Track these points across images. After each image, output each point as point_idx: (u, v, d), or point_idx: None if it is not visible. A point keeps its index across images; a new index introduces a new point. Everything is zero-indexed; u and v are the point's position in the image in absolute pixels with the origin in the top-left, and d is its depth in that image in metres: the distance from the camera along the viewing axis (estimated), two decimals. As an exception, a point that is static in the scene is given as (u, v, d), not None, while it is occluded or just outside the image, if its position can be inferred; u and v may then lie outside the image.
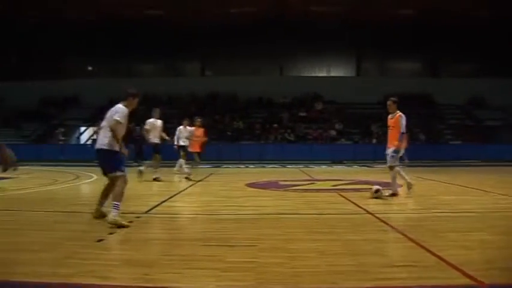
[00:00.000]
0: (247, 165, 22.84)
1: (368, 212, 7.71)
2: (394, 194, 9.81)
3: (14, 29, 36.03)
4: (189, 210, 8.37)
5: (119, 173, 6.86)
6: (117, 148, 6.89)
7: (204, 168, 19.19)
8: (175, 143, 15.88)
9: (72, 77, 37.64)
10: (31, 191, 11.56)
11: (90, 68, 40.28)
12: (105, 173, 7.26)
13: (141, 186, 11.66)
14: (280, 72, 38.22)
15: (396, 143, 9.64)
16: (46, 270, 4.36)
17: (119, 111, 7.01)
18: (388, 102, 10.02)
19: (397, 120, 9.70)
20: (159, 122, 14.03)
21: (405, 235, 5.87)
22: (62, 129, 31.48)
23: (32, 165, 21.40)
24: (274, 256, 4.89)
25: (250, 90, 33.95)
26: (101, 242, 5.57)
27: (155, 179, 13.72)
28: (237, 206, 8.85)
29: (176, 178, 14.99)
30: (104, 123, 7.16)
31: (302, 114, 32.98)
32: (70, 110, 35.21)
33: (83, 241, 5.58)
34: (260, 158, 26.06)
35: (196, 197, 10.28)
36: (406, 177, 9.93)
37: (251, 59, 36.37)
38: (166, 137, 14.37)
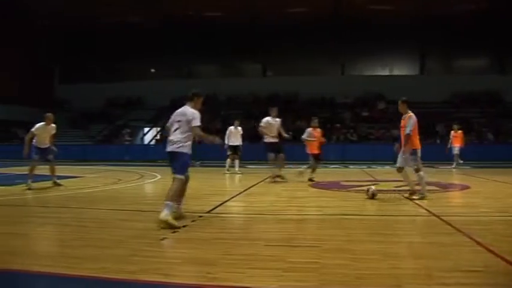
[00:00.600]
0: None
1: (433, 214, 7.48)
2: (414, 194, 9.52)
3: (80, 33, 37.38)
4: (251, 210, 8.38)
5: (178, 176, 6.99)
6: (187, 151, 7.05)
7: (266, 168, 19.22)
8: (226, 142, 16.09)
9: (136, 79, 38.68)
10: (97, 190, 11.91)
11: (152, 70, 41.20)
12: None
13: (205, 185, 11.78)
14: (341, 72, 37.81)
15: (409, 144, 9.31)
16: (112, 267, 4.47)
17: (195, 116, 7.04)
18: (399, 102, 9.68)
19: (407, 120, 9.40)
20: (277, 121, 13.86)
21: (472, 238, 5.63)
22: (129, 130, 32.40)
23: (98, 165, 22.10)
24: (337, 257, 4.82)
25: (312, 90, 33.76)
26: (165, 240, 5.66)
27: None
28: (299, 206, 8.79)
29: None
30: (176, 126, 7.15)
31: (364, 114, 32.52)
32: (134, 111, 36.11)
33: (147, 239, 5.68)
34: (323, 158, 25.85)
35: (259, 196, 10.28)
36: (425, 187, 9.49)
37: (312, 58, 36.11)
38: (285, 134, 14.12)
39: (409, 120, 9.28)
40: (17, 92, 33.75)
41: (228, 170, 16.99)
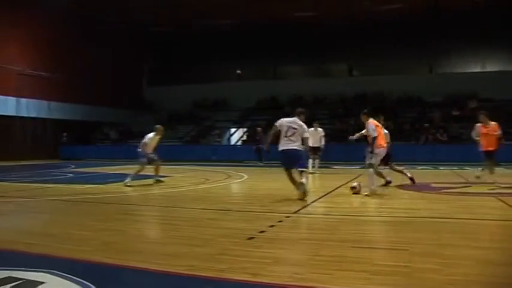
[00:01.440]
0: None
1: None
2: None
3: (168, 36, 38.54)
4: (338, 211, 8.29)
5: (300, 169, 9.62)
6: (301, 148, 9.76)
7: (353, 169, 18.99)
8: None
9: (222, 80, 39.36)
10: (186, 189, 12.23)
11: (238, 72, 41.76)
12: (289, 168, 9.80)
13: (291, 186, 11.76)
14: (430, 70, 36.54)
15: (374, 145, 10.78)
16: (200, 264, 4.56)
17: (306, 130, 9.93)
18: (361, 115, 11.21)
19: (367, 127, 10.89)
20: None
21: None
22: (218, 131, 33.10)
23: (186, 165, 22.69)
24: (427, 261, 4.65)
25: (399, 89, 32.91)
26: (252, 239, 5.70)
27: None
28: (387, 208, 8.59)
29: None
30: (292, 131, 9.69)
31: (455, 113, 31.20)
32: (220, 112, 36.75)
33: (234, 238, 5.76)
34: (410, 159, 25.08)
35: (346, 197, 10.15)
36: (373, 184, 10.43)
37: (399, 57, 35.19)
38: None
39: (369, 127, 10.74)
40: (109, 95, 35.36)
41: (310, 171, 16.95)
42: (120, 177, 15.98)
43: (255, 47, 37.19)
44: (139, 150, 13.45)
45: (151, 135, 13.49)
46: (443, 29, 32.26)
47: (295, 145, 9.60)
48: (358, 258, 4.80)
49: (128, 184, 12.56)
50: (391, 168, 12.84)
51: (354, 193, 10.42)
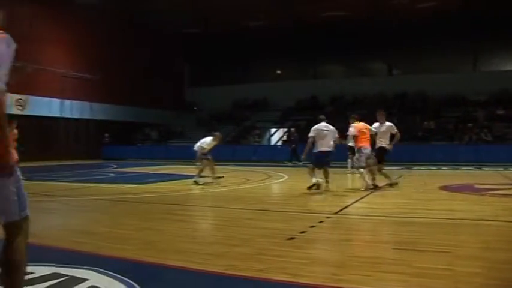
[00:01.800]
0: (439, 166, 21.70)
1: None
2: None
3: (208, 37, 38.74)
4: (379, 212, 8.19)
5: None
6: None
7: (395, 170, 18.75)
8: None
9: (262, 80, 39.39)
10: (226, 189, 12.29)
11: (278, 72, 41.73)
12: (321, 167, 11.30)
13: (332, 186, 11.70)
14: (473, 68, 35.66)
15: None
16: (240, 264, 4.59)
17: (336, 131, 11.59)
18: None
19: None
20: (386, 125, 12.67)
21: None
22: (258, 131, 33.17)
23: (227, 165, 22.80)
24: (471, 265, 4.54)
25: (441, 88, 32.21)
26: (292, 240, 5.69)
27: None
28: (429, 209, 8.43)
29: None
30: (329, 135, 11.30)
31: (500, 112, 30.41)
32: (260, 113, 36.78)
33: (274, 238, 5.76)
34: (453, 160, 24.58)
35: (387, 198, 10.03)
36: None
37: (441, 55, 34.40)
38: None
39: (349, 129, 12.27)
40: (150, 96, 35.85)
41: (349, 170, 16.90)
42: (161, 177, 16.25)
43: (295, 46, 37.07)
44: (196, 150, 13.80)
45: (208, 140, 13.73)
46: (487, 25, 31.41)
47: (330, 146, 11.26)
48: (398, 260, 4.74)
49: (200, 182, 13.26)
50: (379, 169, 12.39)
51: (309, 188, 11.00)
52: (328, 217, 7.41)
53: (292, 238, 5.77)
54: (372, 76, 37.29)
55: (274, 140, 34.69)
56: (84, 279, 4.06)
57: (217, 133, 14.18)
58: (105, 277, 4.14)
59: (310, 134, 11.42)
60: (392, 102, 33.48)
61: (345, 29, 34.15)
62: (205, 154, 13.66)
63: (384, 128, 12.34)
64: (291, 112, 35.37)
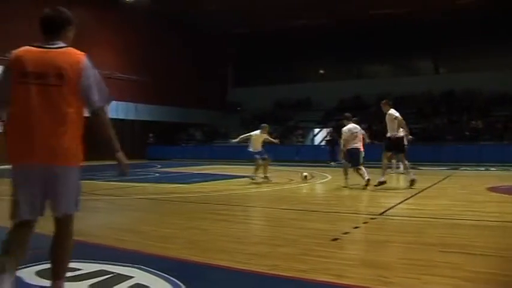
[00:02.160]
0: (487, 167, 21.12)
1: None
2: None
3: (251, 37, 38.87)
4: (425, 213, 8.00)
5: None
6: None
7: (441, 170, 18.39)
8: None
9: (305, 80, 39.23)
10: (269, 189, 12.28)
11: (321, 72, 41.46)
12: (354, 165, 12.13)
13: (378, 187, 11.54)
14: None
15: None
16: (283, 264, 4.56)
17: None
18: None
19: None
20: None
21: None
22: (301, 131, 33.06)
23: (270, 165, 22.75)
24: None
25: (489, 86, 31.28)
26: (336, 241, 5.63)
27: None
28: (477, 211, 8.20)
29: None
30: (356, 135, 12.28)
31: (557, 110, 29.35)
32: (303, 112, 36.64)
33: (318, 239, 5.70)
34: (503, 160, 23.85)
35: (433, 200, 9.80)
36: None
37: (489, 52, 33.33)
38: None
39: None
40: (194, 96, 36.18)
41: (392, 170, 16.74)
42: (204, 177, 16.36)
43: (339, 46, 36.78)
44: (250, 150, 14.13)
45: (257, 132, 14.23)
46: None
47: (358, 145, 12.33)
48: (447, 263, 4.60)
49: (255, 181, 13.69)
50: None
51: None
52: (372, 218, 7.30)
53: (336, 239, 5.70)
54: (417, 75, 36.55)
55: (317, 140, 34.50)
56: (130, 277, 4.11)
57: (264, 125, 14.64)
58: (150, 275, 4.18)
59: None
60: (439, 101, 32.82)
61: (389, 26, 33.66)
62: (258, 153, 13.98)
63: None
64: (334, 112, 35.12)
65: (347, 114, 12.89)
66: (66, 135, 3.25)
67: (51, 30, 3.36)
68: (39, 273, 4.23)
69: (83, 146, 3.44)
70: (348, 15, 33.38)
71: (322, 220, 7.24)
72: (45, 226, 5.69)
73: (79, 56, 3.32)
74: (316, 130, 35.14)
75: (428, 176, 15.99)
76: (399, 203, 9.10)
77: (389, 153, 12.15)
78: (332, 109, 35.40)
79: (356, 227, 6.47)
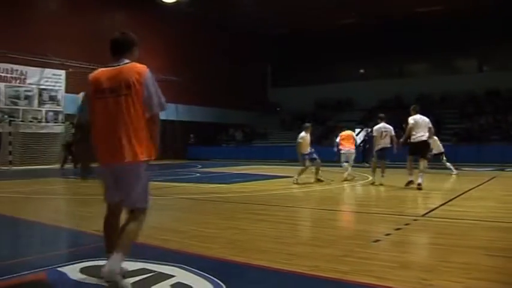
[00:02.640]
0: (534, 168, 20.53)
1: None
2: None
3: (290, 37, 38.85)
4: (469, 216, 7.82)
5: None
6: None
7: (485, 172, 17.97)
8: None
9: (345, 80, 38.90)
10: (310, 190, 12.25)
11: (361, 71, 41.04)
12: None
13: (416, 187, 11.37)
14: None
15: None
16: (324, 265, 4.53)
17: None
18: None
19: None
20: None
21: None
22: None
23: (311, 165, 22.64)
24: None
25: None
26: (377, 242, 5.57)
27: None
28: (525, 214, 7.99)
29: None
30: (386, 134, 13.17)
31: None
32: (343, 113, 36.39)
33: (359, 240, 5.66)
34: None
35: (477, 201, 9.58)
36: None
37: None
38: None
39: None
40: (234, 97, 36.37)
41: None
42: (244, 177, 16.42)
43: (379, 45, 36.37)
44: (301, 153, 14.19)
45: (302, 134, 14.24)
46: None
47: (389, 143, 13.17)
48: (493, 267, 4.50)
49: (296, 182, 13.72)
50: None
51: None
52: (415, 219, 7.18)
53: (377, 240, 5.65)
54: (460, 73, 35.65)
55: (358, 140, 34.17)
56: (171, 276, 4.17)
57: (307, 124, 14.75)
58: (191, 274, 4.23)
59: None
60: (483, 100, 32.06)
61: (430, 24, 33.10)
62: (306, 154, 14.08)
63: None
64: (375, 112, 34.73)
65: (381, 114, 13.84)
66: (134, 137, 3.90)
67: (119, 51, 4.08)
68: (84, 270, 4.34)
69: (153, 146, 4.09)
70: (389, 13, 32.99)
71: (363, 221, 7.17)
72: (89, 225, 5.82)
73: (142, 68, 4.01)
74: (357, 130, 34.82)
75: (472, 177, 15.68)
76: (442, 205, 8.92)
77: (411, 157, 12.21)
78: (373, 109, 35.03)
79: (398, 229, 6.38)
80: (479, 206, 9.00)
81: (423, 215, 7.61)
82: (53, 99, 26.63)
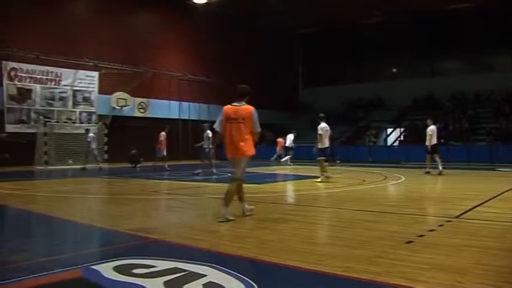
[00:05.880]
0: None
1: None
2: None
3: (321, 37, 38.68)
4: (505, 217, 7.63)
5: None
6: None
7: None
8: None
9: (376, 79, 38.56)
10: (342, 190, 12.17)
11: (393, 70, 40.59)
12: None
13: (451, 188, 11.20)
14: None
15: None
16: (356, 266, 4.50)
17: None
18: None
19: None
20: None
21: None
22: (373, 132, 32.51)
23: (343, 165, 22.55)
24: None
25: None
26: (410, 243, 5.50)
27: None
28: None
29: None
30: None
31: None
32: (375, 112, 36.07)
33: (392, 241, 5.60)
34: None
35: (513, 203, 9.40)
36: None
37: None
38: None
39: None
40: (265, 97, 36.29)
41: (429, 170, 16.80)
42: (275, 178, 16.42)
43: (411, 43, 36.00)
44: (319, 147, 14.36)
45: (322, 125, 14.26)
46: None
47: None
48: (531, 270, 4.40)
49: (321, 180, 13.93)
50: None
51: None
52: (448, 221, 7.07)
53: (410, 242, 5.57)
54: (494, 71, 34.86)
55: (390, 140, 33.84)
56: (203, 275, 4.19)
57: (322, 114, 14.80)
58: (223, 274, 4.24)
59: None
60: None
61: (463, 22, 32.56)
62: (326, 148, 14.39)
63: None
64: (407, 111, 34.35)
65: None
66: (243, 143, 7.39)
67: (240, 96, 7.67)
68: (116, 269, 4.40)
69: (253, 147, 7.61)
70: (421, 11, 32.57)
71: (396, 222, 7.09)
72: (122, 225, 5.89)
73: (251, 109, 7.51)
74: (389, 130, 34.48)
75: (508, 178, 15.36)
76: (477, 206, 8.75)
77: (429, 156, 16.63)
78: (406, 108, 34.65)
79: (431, 230, 6.29)
80: (515, 207, 8.80)
81: (457, 217, 7.48)
82: (86, 100, 27.08)
